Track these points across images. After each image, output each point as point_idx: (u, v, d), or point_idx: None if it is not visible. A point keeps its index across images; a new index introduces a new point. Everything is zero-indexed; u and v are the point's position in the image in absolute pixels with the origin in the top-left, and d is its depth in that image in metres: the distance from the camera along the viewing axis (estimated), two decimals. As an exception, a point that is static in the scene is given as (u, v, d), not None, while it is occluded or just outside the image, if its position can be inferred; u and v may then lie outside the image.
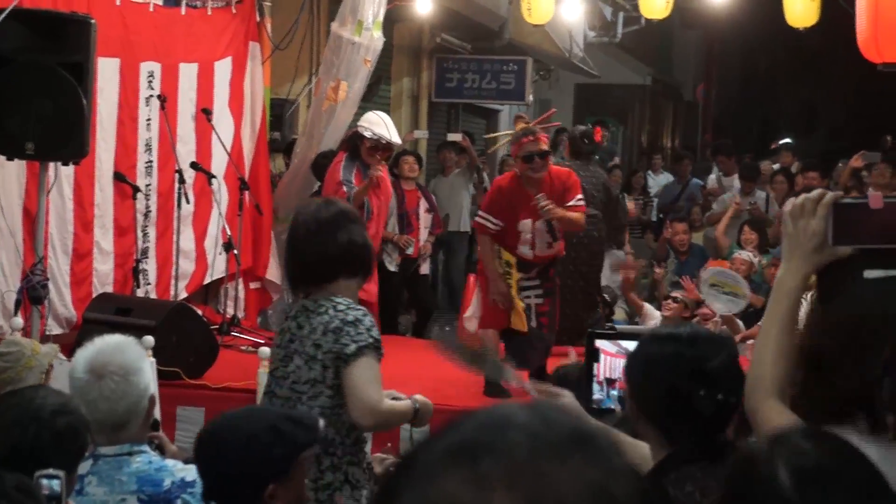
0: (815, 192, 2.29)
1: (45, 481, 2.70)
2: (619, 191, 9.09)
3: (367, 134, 8.35)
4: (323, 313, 3.90)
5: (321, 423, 3.26)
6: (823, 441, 1.83)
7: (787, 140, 22.03)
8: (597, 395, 3.58)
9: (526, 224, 7.17)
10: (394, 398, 4.00)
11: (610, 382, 4.12)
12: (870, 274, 2.22)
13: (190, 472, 3.32)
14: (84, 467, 3.20)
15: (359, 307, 3.95)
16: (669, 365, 2.66)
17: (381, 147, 8.40)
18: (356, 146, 8.42)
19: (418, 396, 4.04)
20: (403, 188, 10.32)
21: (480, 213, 7.42)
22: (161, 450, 3.55)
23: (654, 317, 8.44)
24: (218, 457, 3.01)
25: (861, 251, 2.25)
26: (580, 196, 7.31)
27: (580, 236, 8.35)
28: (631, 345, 3.84)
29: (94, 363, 3.29)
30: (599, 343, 3.64)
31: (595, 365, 3.63)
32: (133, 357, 3.35)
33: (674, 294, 9.04)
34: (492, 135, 7.81)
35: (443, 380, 7.71)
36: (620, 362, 3.75)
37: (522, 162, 7.13)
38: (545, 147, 7.18)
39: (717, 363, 2.63)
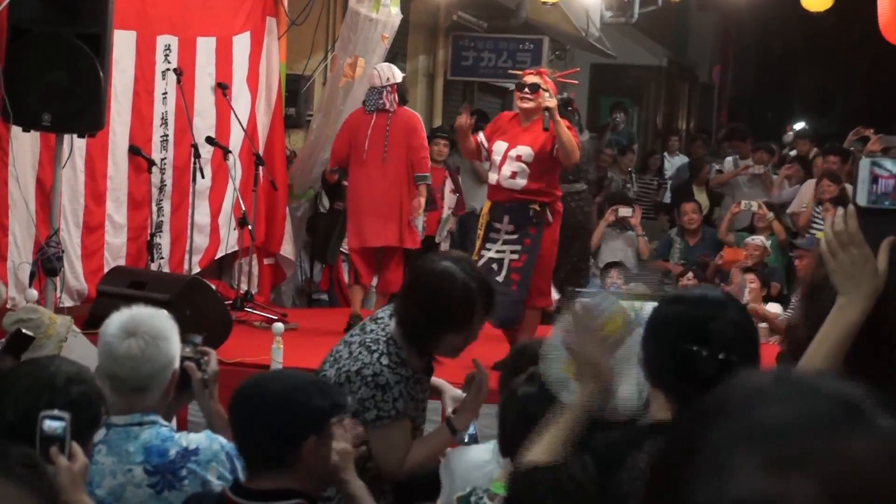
0: (839, 224, 2.25)
1: (48, 422, 2.70)
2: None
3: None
4: (372, 348, 3.87)
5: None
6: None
7: (803, 125, 21.91)
8: None
9: (500, 146, 7.20)
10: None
11: None
12: None
13: (194, 441, 3.36)
14: (96, 435, 3.21)
15: (398, 370, 3.86)
16: (674, 325, 2.65)
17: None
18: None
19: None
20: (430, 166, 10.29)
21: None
22: (207, 364, 3.65)
23: None
24: (260, 408, 3.04)
25: None
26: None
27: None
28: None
29: (128, 324, 3.36)
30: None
31: None
32: (164, 325, 3.42)
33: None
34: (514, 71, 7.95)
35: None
36: None
37: (516, 89, 7.40)
38: (535, 80, 7.19)
39: (720, 323, 2.60)
